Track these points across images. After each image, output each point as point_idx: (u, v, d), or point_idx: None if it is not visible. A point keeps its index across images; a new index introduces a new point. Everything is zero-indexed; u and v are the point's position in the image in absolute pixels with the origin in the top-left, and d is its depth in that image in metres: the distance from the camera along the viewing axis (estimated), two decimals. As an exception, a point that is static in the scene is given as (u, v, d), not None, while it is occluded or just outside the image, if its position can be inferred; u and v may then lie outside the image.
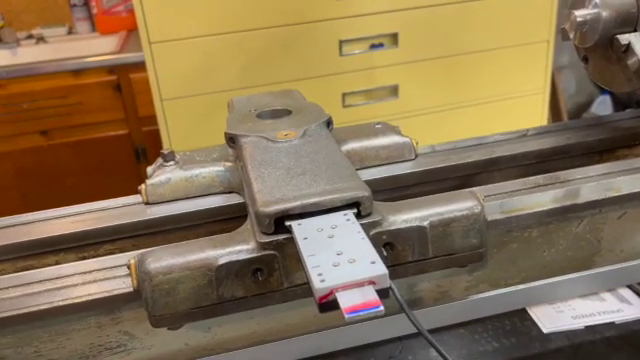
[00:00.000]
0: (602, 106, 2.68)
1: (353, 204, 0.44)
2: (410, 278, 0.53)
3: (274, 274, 0.44)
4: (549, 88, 1.79)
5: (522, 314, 0.71)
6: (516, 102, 1.76)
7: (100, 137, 2.04)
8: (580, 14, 0.53)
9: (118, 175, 2.05)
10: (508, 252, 0.55)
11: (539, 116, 1.81)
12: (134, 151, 2.06)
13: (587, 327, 0.70)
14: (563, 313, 0.72)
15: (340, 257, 0.38)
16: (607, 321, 0.71)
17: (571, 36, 0.55)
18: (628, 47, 0.52)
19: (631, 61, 0.52)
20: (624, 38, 0.53)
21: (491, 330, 0.69)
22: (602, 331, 0.69)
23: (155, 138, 1.67)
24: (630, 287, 0.76)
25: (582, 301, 0.74)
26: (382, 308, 0.34)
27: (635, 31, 0.53)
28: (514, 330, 0.70)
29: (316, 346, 0.55)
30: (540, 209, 0.51)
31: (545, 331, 0.70)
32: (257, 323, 0.52)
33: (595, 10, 0.53)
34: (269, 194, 0.44)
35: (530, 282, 0.57)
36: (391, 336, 0.59)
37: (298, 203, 0.43)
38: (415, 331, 0.56)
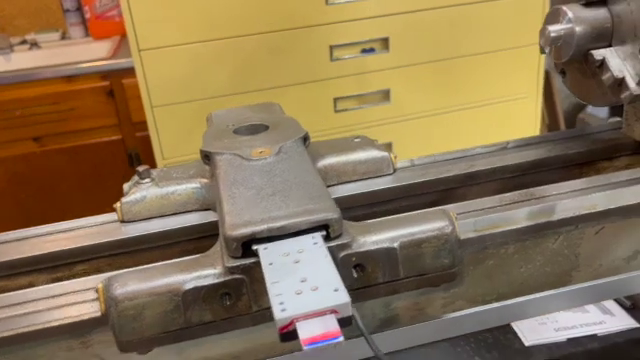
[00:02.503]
0: (598, 106, 2.67)
1: (322, 226, 0.44)
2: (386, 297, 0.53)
3: (242, 298, 0.43)
4: (541, 91, 1.78)
5: (505, 326, 0.71)
6: (508, 105, 1.75)
7: (93, 143, 2.04)
8: (554, 29, 0.53)
9: (112, 181, 2.05)
10: (484, 269, 0.55)
11: (532, 119, 1.81)
12: (128, 156, 2.06)
13: (569, 339, 0.70)
14: (545, 325, 0.72)
15: (303, 284, 0.38)
16: (589, 333, 0.71)
17: (546, 51, 0.55)
18: (603, 63, 0.52)
19: (606, 76, 0.52)
20: (598, 54, 0.52)
21: (473, 343, 0.69)
22: (584, 343, 0.69)
23: (149, 143, 1.67)
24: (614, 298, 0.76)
25: (565, 313, 0.74)
26: (342, 339, 0.34)
27: (610, 46, 0.53)
28: (496, 343, 0.69)
29: (292, 365, 0.54)
30: (514, 227, 0.51)
31: (527, 344, 0.70)
32: (230, 344, 0.52)
33: (569, 25, 0.52)
34: (238, 216, 0.44)
35: (508, 298, 0.57)
36: (370, 355, 0.58)
37: (265, 227, 0.42)
38: (399, 348, 0.55)
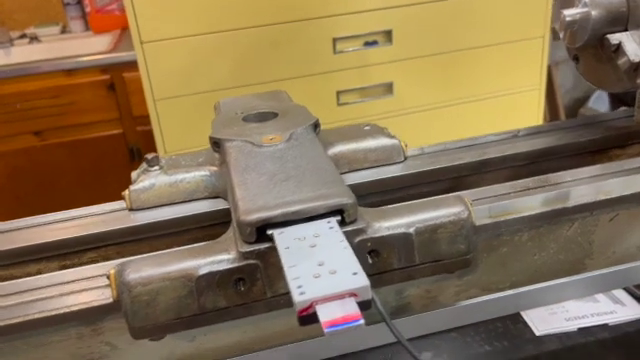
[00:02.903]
0: (599, 101, 2.66)
1: (337, 211, 0.43)
2: (398, 284, 0.52)
3: (257, 284, 0.43)
4: (545, 84, 1.78)
5: (515, 316, 0.71)
6: (512, 99, 1.75)
7: (94, 137, 2.03)
8: (569, 13, 0.52)
9: (113, 175, 2.04)
10: (498, 256, 0.54)
11: (535, 112, 1.80)
12: (129, 151, 2.05)
13: (580, 329, 0.69)
14: (556, 315, 0.72)
15: (321, 268, 0.37)
16: (600, 323, 0.70)
17: (561, 36, 0.54)
18: (618, 47, 0.51)
19: (621, 61, 0.51)
20: (614, 38, 0.51)
21: (483, 333, 0.68)
22: (595, 333, 0.68)
23: (150, 137, 1.66)
24: (624, 288, 0.75)
25: (575, 302, 0.73)
26: (362, 322, 0.33)
27: (626, 30, 0.52)
28: (507, 333, 0.69)
29: (305, 354, 0.54)
30: (529, 213, 0.50)
31: (538, 334, 0.69)
32: (243, 332, 0.51)
33: (585, 9, 0.52)
34: (251, 202, 0.44)
35: (521, 286, 0.56)
36: (381, 343, 0.58)
37: (280, 211, 0.42)
38: (410, 337, 0.55)
